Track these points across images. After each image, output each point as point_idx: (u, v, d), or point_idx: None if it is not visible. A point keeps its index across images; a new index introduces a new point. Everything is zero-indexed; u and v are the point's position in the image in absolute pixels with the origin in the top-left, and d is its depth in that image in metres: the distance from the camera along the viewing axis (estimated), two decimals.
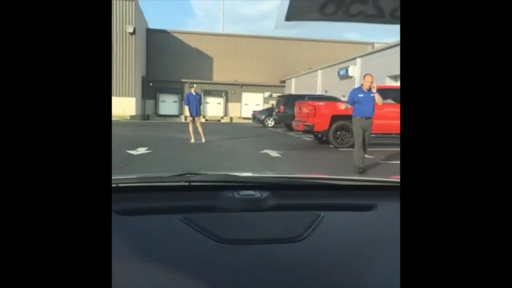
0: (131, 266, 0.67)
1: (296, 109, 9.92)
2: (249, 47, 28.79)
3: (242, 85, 27.83)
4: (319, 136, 9.38)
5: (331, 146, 8.68)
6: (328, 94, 16.78)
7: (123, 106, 21.94)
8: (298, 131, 9.84)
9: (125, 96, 22.76)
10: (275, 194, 0.92)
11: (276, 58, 29.05)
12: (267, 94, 27.45)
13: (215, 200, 0.89)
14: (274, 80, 28.76)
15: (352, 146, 6.16)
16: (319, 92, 20.76)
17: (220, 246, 0.72)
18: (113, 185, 0.91)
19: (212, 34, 29.12)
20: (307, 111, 8.81)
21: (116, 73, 22.40)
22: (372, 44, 26.54)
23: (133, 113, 22.74)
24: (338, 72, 19.32)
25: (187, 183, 0.99)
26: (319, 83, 22.20)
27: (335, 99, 12.01)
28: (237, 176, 1.10)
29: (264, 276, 0.67)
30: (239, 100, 27.98)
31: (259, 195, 0.91)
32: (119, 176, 0.96)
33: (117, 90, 22.39)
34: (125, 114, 21.93)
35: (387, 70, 14.01)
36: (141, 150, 7.56)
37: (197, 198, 0.93)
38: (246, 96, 28.01)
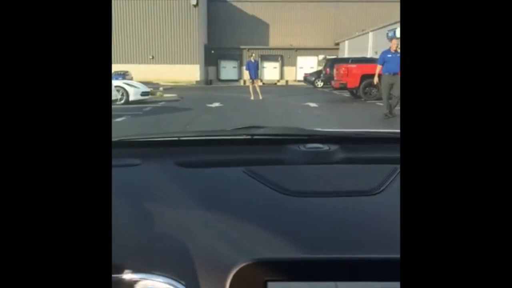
0: (194, 216, 0.66)
1: (334, 71, 12.54)
2: (304, 11, 30.74)
3: (297, 49, 30.18)
4: (354, 92, 11.95)
5: (362, 99, 11.26)
6: (378, 55, 18.66)
7: (189, 73, 25.63)
8: (336, 88, 12.52)
9: (190, 63, 26.38)
10: (345, 148, 0.89)
11: (331, 21, 30.76)
12: (321, 57, 29.47)
13: (280, 153, 0.88)
14: (328, 43, 30.63)
15: (378, 99, 8.73)
16: (370, 53, 22.58)
17: (287, 198, 0.70)
18: (174, 139, 1.00)
19: (267, 1, 31.48)
20: (342, 72, 11.45)
21: (182, 42, 26.04)
22: None
23: (198, 78, 26.36)
24: (387, 33, 20.97)
25: (249, 137, 0.99)
26: (370, 44, 23.93)
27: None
28: (302, 129, 1.09)
29: (335, 229, 0.63)
30: (294, 64, 30.47)
31: (327, 148, 0.88)
32: (181, 132, 1.03)
33: (183, 58, 26.14)
34: (191, 80, 25.63)
35: None
36: (216, 104, 10.81)
37: (260, 152, 0.92)
38: (301, 60, 30.37)
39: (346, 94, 12.98)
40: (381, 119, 7.57)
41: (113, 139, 0.86)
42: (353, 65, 11.70)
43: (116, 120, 7.53)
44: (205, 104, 10.61)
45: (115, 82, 10.10)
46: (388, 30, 21.02)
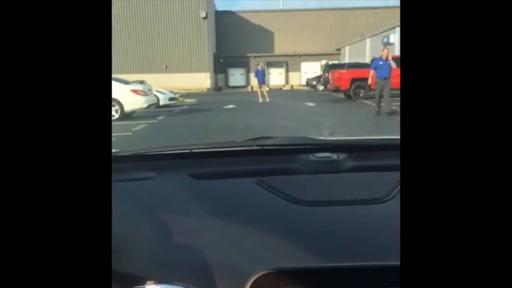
0: (210, 227, 0.68)
1: (330, 75, 15.14)
2: (306, 19, 33.51)
3: (300, 55, 32.89)
4: (346, 93, 14.50)
5: (352, 99, 13.81)
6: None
7: (200, 81, 28.38)
8: (331, 91, 15.11)
9: (201, 71, 29.13)
10: (353, 156, 0.92)
11: (332, 28, 33.47)
12: (323, 62, 32.05)
13: (290, 163, 0.92)
14: (330, 48, 33.27)
15: (365, 98, 11.23)
16: (368, 58, 25.14)
17: (300, 208, 0.72)
18: (186, 151, 1.03)
19: (272, 11, 34.34)
20: (335, 76, 14.06)
21: (192, 52, 28.85)
22: None
23: (208, 86, 29.07)
24: (382, 39, 23.55)
25: (259, 147, 1.02)
26: (367, 50, 26.52)
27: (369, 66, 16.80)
28: (310, 138, 1.14)
29: (348, 238, 0.65)
30: (298, 69, 33.18)
31: (336, 156, 0.91)
32: (192, 143, 1.09)
33: (194, 67, 28.94)
34: (203, 87, 28.35)
35: None
36: (230, 106, 13.44)
37: (271, 162, 0.95)
38: (305, 65, 33.05)
39: (342, 96, 15.56)
40: (362, 113, 10.14)
41: (127, 153, 1.00)
42: (345, 70, 14.32)
43: (158, 118, 10.20)
44: (221, 106, 13.26)
45: (151, 89, 12.65)
46: (383, 36, 23.57)
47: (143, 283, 0.59)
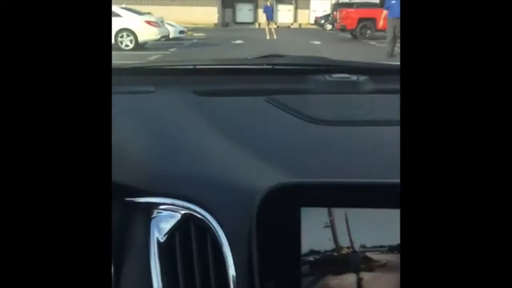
0: (215, 143, 0.65)
1: (337, 14, 15.40)
2: None
3: None
4: (353, 33, 14.86)
5: (358, 39, 14.23)
6: None
7: (207, 15, 28.19)
8: (337, 29, 15.46)
9: (208, 6, 28.82)
10: (374, 78, 0.87)
11: None
12: (334, 0, 31.50)
13: (304, 83, 0.86)
14: None
15: (371, 39, 11.65)
16: None
17: (313, 126, 0.70)
18: (190, 67, 0.96)
19: None
20: (342, 15, 14.36)
21: None
22: None
23: (216, 21, 28.91)
24: None
25: (270, 66, 0.97)
26: None
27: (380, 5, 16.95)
28: (325, 59, 1.05)
29: (364, 156, 0.63)
30: (307, 7, 32.58)
31: (356, 78, 0.86)
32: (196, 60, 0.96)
33: (200, 0, 28.51)
34: (210, 22, 28.22)
35: None
36: (238, 41, 13.94)
37: (283, 81, 0.89)
38: (315, 3, 32.41)
39: (349, 36, 15.92)
40: (365, 52, 10.71)
41: (125, 66, 0.95)
42: (352, 9, 14.58)
43: (170, 50, 10.85)
44: (230, 42, 13.77)
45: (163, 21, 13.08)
46: None
47: (138, 196, 0.56)
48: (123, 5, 11.91)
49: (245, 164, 0.61)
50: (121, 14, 10.70)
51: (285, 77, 0.93)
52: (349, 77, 0.87)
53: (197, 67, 0.97)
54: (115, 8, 10.91)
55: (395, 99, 0.70)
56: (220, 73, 0.96)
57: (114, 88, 0.84)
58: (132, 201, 0.56)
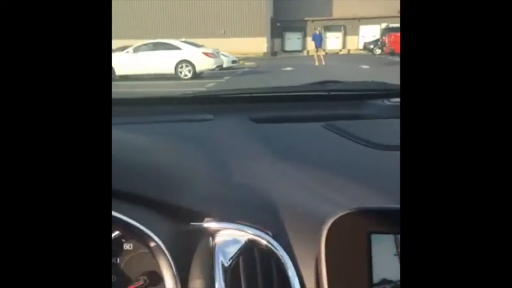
0: (276, 169, 0.66)
1: (386, 39, 15.69)
2: None
3: (359, 19, 32.65)
4: None
5: None
6: None
7: (257, 45, 29.48)
8: (386, 53, 15.70)
9: (258, 36, 30.16)
10: None
11: None
12: (383, 25, 31.64)
13: (362, 109, 0.86)
14: (391, 10, 32.57)
15: None
16: None
17: (374, 152, 0.69)
18: (247, 95, 0.99)
19: None
20: (391, 39, 14.64)
21: (250, 17, 29.84)
22: None
23: (265, 50, 30.11)
24: None
25: (326, 93, 0.97)
26: None
27: None
28: (383, 83, 1.02)
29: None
30: (356, 33, 33.06)
31: None
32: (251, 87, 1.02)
33: (251, 32, 30.00)
34: (259, 52, 29.45)
35: None
36: (288, 68, 14.61)
37: (339, 107, 0.90)
38: (364, 29, 32.84)
39: (397, 59, 16.06)
40: None
41: (183, 95, 1.00)
42: (399, 34, 14.82)
43: (225, 78, 11.70)
44: (280, 69, 14.48)
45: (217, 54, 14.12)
46: None
47: (201, 220, 0.55)
48: (183, 39, 13.08)
49: (309, 191, 0.60)
50: (180, 47, 11.79)
51: (341, 102, 0.94)
52: None
53: (253, 95, 1.00)
54: (175, 42, 12.07)
55: None
56: (276, 100, 0.98)
57: (173, 116, 0.83)
58: (198, 225, 0.56)
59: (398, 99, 0.86)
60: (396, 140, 0.68)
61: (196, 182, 0.61)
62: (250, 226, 0.54)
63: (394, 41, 14.62)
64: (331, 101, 0.96)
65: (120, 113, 0.84)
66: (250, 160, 0.69)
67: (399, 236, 0.48)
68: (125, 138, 0.64)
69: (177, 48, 11.64)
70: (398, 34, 15.04)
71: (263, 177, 0.64)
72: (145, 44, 12.07)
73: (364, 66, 14.18)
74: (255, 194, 0.60)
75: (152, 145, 0.69)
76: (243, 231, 0.54)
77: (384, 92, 0.95)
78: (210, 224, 0.55)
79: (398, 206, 0.49)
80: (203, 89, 1.69)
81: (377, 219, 0.51)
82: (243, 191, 0.61)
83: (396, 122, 0.77)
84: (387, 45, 15.42)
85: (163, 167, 0.61)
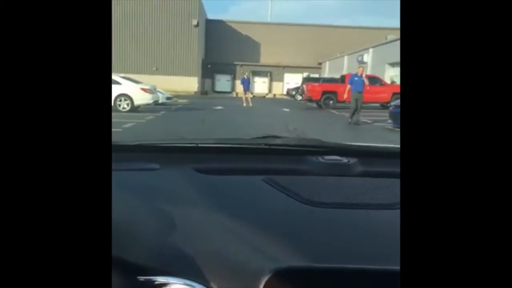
0: (216, 222, 0.68)
1: (305, 87, 18.27)
2: (291, 33, 36.86)
3: (284, 66, 36.15)
4: (318, 103, 17.60)
5: (322, 108, 16.91)
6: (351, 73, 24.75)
7: (188, 84, 31.10)
8: (304, 100, 18.26)
9: (189, 76, 31.83)
10: (363, 161, 0.93)
11: (315, 43, 36.91)
12: (305, 74, 35.19)
13: (298, 164, 0.93)
14: (312, 62, 36.61)
15: (334, 108, 14.37)
16: (345, 72, 28.56)
17: (308, 208, 0.74)
18: (192, 145, 1.04)
19: (260, 23, 37.60)
20: (308, 88, 17.18)
21: (182, 57, 31.61)
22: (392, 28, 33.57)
23: (196, 89, 31.75)
24: (357, 58, 26.96)
25: (267, 146, 1.03)
26: (345, 65, 29.94)
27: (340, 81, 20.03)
28: (319, 141, 1.12)
29: (358, 240, 0.66)
30: (281, 79, 36.42)
31: (347, 160, 0.92)
32: (198, 139, 1.07)
33: (183, 71, 31.66)
34: (190, 90, 31.02)
35: (387, 58, 21.76)
36: (219, 107, 16.31)
37: (279, 162, 0.96)
38: (288, 76, 36.29)
39: (315, 105, 18.66)
40: (325, 119, 13.16)
41: (131, 143, 1.03)
42: (317, 84, 17.49)
43: (161, 113, 12.99)
44: (211, 107, 16.15)
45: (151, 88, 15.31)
46: (358, 55, 26.96)
47: (145, 275, 0.57)
48: (122, 74, 14.22)
49: (249, 244, 0.63)
50: (120, 82, 12.92)
51: (281, 157, 1.01)
52: (340, 160, 0.95)
53: (199, 145, 1.05)
54: (116, 77, 13.18)
55: (384, 183, 0.85)
56: (220, 152, 1.05)
57: (121, 165, 0.87)
58: (145, 279, 0.56)
59: (331, 157, 0.96)
60: (325, 197, 0.79)
61: (143, 235, 0.62)
62: (197, 281, 0.56)
63: (311, 89, 17.16)
64: (272, 155, 1.02)
65: None
66: (193, 212, 0.72)
67: None
68: None
69: (117, 82, 12.77)
70: (315, 84, 17.70)
71: (205, 230, 0.67)
72: None
73: (285, 109, 16.43)
74: (198, 247, 0.62)
75: None
76: (189, 286, 0.56)
77: (318, 149, 1.03)
78: (157, 278, 0.57)
79: (333, 265, 0.56)
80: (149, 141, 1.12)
81: (312, 277, 0.55)
82: (187, 245, 0.62)
83: (328, 180, 0.88)
84: (305, 92, 17.94)
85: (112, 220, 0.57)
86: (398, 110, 8.94)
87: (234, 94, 32.89)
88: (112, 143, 0.98)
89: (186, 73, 31.85)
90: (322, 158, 0.95)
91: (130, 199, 0.72)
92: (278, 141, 1.09)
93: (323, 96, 16.86)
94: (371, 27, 36.83)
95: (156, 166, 0.91)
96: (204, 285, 0.56)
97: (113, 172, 0.81)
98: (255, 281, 0.54)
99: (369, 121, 11.51)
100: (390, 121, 9.87)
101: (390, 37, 26.63)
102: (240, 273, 0.57)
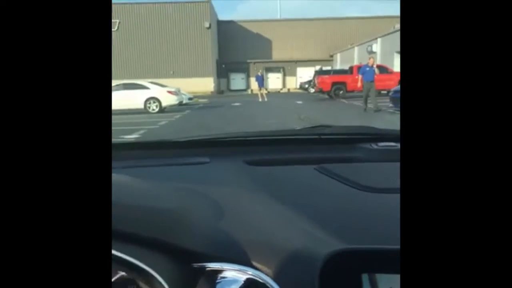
0: (271, 212, 0.69)
1: (316, 80, 19.78)
2: (302, 28, 38.27)
3: (296, 61, 37.61)
4: (329, 94, 19.08)
5: (333, 99, 18.38)
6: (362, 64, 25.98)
7: (204, 85, 32.84)
8: (316, 92, 19.78)
9: (205, 76, 33.52)
10: None
11: (327, 36, 38.23)
12: (317, 67, 36.47)
13: (351, 152, 0.93)
14: (324, 55, 37.93)
15: (343, 98, 15.90)
16: (356, 63, 29.82)
17: (364, 194, 0.73)
18: (241, 138, 1.06)
19: (270, 20, 39.13)
20: (319, 80, 18.70)
21: (197, 59, 33.36)
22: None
23: (212, 89, 33.47)
24: (367, 48, 28.22)
25: (317, 136, 1.04)
26: (356, 56, 31.20)
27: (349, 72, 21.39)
28: (370, 128, 1.11)
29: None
30: (294, 74, 37.89)
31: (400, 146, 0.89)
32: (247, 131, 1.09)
33: (198, 72, 33.38)
34: (207, 90, 32.74)
35: (395, 47, 23.06)
36: (237, 104, 17.98)
37: (330, 151, 0.96)
38: (301, 70, 37.71)
39: (326, 96, 20.16)
40: (336, 108, 14.64)
41: (181, 139, 1.07)
42: (327, 76, 18.98)
43: (186, 112, 14.74)
44: (230, 104, 17.84)
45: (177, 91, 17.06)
46: (367, 46, 28.19)
47: (202, 261, 0.58)
48: (149, 80, 16.05)
49: (303, 232, 0.63)
50: (149, 87, 14.75)
51: (332, 146, 1.01)
52: (394, 145, 0.94)
53: (247, 138, 1.08)
54: (143, 82, 15.02)
55: None
56: (269, 144, 1.06)
57: (173, 160, 0.92)
58: (199, 266, 0.58)
59: (385, 143, 0.96)
60: (382, 183, 0.78)
61: (196, 223, 0.63)
62: (250, 267, 0.57)
63: (321, 81, 18.66)
64: (321, 145, 1.04)
65: (119, 157, 0.91)
66: (247, 202, 0.73)
67: (391, 275, 0.52)
68: (124, 181, 0.64)
69: (146, 87, 14.60)
70: (324, 76, 19.21)
71: (261, 219, 0.67)
72: (117, 85, 14.73)
73: (299, 102, 17.99)
74: (254, 235, 0.62)
75: (152, 188, 0.69)
76: (243, 271, 0.57)
77: (371, 136, 1.05)
78: (211, 265, 0.58)
79: (387, 246, 0.55)
80: (201, 135, 1.18)
81: (367, 259, 0.55)
82: (243, 233, 0.62)
83: (383, 166, 0.88)
84: (316, 85, 19.44)
85: (163, 210, 0.61)
86: (397, 94, 10.35)
87: (249, 91, 34.48)
88: (162, 140, 1.10)
89: (202, 74, 33.54)
90: (376, 145, 0.96)
91: (183, 190, 0.73)
92: (327, 130, 1.11)
93: (333, 87, 18.35)
94: (381, 16, 37.91)
95: (207, 159, 0.95)
96: (259, 270, 0.56)
97: (166, 167, 0.89)
98: (309, 265, 0.54)
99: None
100: (391, 104, 11.29)
101: (398, 26, 27.77)
102: (294, 258, 0.57)
